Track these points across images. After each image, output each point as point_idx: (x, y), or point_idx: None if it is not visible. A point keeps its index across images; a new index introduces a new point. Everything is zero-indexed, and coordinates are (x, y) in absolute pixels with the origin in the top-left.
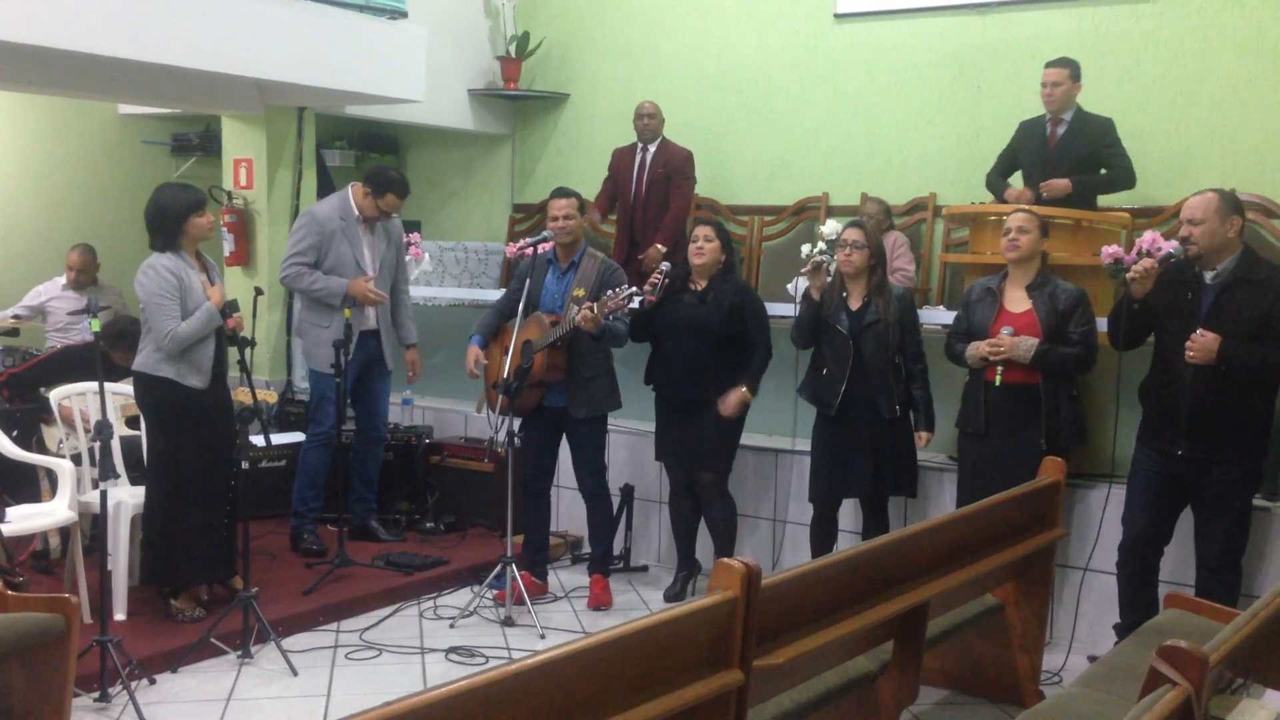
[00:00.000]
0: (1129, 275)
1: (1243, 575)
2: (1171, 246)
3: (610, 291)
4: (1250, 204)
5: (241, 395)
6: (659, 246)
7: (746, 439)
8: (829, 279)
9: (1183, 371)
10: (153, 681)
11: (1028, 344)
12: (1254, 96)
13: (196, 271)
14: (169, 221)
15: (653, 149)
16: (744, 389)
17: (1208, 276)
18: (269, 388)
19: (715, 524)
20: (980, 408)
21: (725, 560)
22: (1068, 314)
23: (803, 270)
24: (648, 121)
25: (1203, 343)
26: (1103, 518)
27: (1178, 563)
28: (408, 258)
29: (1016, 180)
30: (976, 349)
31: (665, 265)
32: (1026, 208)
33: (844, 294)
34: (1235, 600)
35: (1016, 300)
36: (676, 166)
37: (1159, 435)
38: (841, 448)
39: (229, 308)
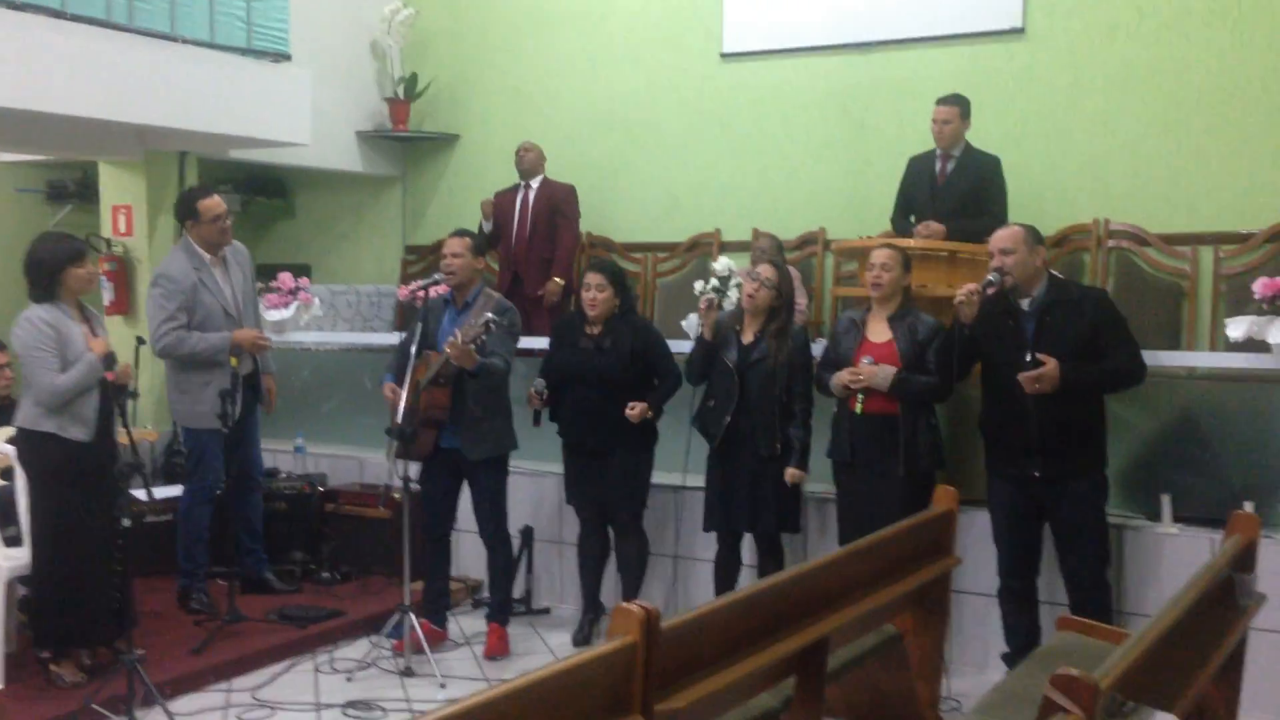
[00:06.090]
0: (955, 301)
1: (1111, 590)
2: (990, 275)
3: (469, 320)
4: (1123, 233)
5: (122, 438)
6: (557, 280)
7: None
8: (722, 314)
9: (1023, 396)
10: None
11: (886, 372)
12: (1123, 129)
13: (77, 322)
14: (45, 273)
15: (535, 185)
16: (645, 404)
17: (1024, 304)
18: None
19: (627, 560)
20: (845, 436)
21: (623, 605)
22: (926, 344)
23: (700, 306)
24: (524, 154)
25: (1045, 373)
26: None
27: (1047, 583)
28: (297, 303)
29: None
30: (839, 378)
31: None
32: (890, 242)
33: (736, 328)
34: (1110, 616)
35: (878, 331)
36: (560, 201)
37: (1012, 462)
38: (724, 482)
39: (107, 360)
